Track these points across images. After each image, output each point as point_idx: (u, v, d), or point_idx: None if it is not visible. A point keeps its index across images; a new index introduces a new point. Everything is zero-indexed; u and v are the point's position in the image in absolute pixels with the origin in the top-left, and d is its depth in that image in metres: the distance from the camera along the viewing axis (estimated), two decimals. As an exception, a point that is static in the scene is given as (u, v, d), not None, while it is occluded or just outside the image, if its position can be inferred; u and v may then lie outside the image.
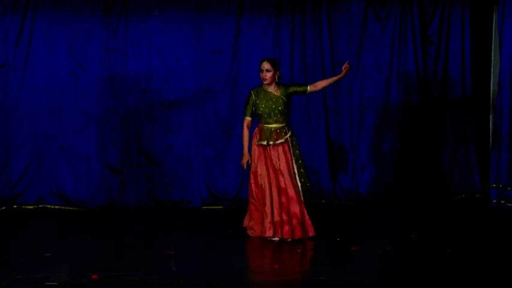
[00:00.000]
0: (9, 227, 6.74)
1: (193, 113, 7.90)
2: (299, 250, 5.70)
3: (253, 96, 6.11)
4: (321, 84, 6.24)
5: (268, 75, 6.03)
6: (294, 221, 5.93)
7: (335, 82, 6.34)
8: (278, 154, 6.01)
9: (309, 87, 6.14)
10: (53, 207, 7.68)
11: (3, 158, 7.63)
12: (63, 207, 7.66)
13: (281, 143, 6.02)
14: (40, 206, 7.67)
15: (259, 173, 6.03)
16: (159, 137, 7.87)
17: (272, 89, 6.10)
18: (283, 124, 6.09)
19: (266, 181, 6.00)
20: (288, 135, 6.07)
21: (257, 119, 6.17)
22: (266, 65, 6.03)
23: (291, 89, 6.12)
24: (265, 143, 6.02)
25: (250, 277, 4.90)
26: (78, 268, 4.94)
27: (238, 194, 7.92)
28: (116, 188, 7.78)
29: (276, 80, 6.11)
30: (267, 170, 6.02)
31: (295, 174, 6.01)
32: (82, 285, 4.51)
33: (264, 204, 5.97)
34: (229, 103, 7.95)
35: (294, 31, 7.99)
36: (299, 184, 6.02)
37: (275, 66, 6.08)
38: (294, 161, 6.03)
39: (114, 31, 7.75)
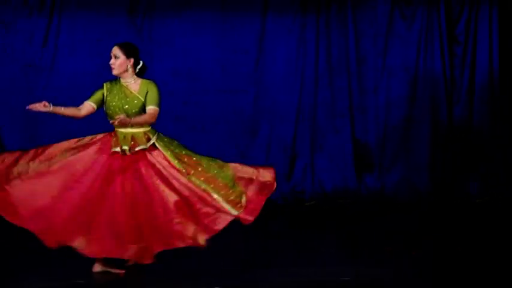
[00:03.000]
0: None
1: (217, 113, 7.90)
2: (326, 250, 5.67)
3: (105, 90, 4.81)
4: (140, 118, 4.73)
5: (117, 62, 4.76)
6: None
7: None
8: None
9: (149, 109, 4.75)
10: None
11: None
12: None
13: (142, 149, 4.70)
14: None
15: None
16: (184, 137, 7.85)
17: (128, 82, 4.79)
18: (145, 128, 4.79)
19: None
20: (153, 140, 4.80)
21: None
22: (115, 51, 4.78)
23: (149, 90, 4.78)
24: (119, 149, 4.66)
25: (276, 277, 4.88)
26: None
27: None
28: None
29: (135, 72, 4.82)
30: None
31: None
32: (108, 284, 4.53)
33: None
34: (253, 103, 7.94)
35: (319, 30, 7.96)
36: None
37: (127, 52, 4.78)
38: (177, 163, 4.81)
39: (139, 31, 7.79)
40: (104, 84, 4.84)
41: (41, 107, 4.63)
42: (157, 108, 4.77)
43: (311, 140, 8.00)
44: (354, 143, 8.02)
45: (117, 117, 4.58)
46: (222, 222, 4.71)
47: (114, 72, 4.77)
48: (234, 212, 4.74)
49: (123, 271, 4.68)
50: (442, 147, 8.02)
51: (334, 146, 7.97)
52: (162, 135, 4.91)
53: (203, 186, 4.76)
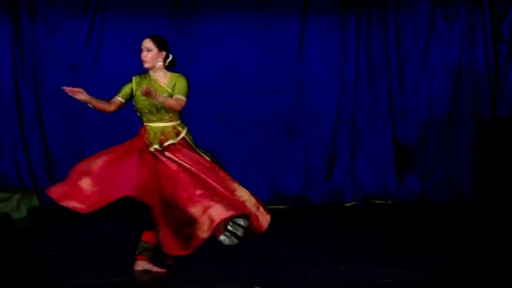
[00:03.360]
0: (79, 223, 6.90)
1: (257, 113, 7.92)
2: (365, 251, 5.63)
3: (134, 83, 4.77)
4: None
5: (149, 55, 4.75)
6: None
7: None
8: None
9: (175, 97, 4.74)
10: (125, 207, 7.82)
11: (74, 156, 7.82)
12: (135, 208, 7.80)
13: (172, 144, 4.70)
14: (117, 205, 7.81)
15: None
16: (223, 137, 7.91)
17: (158, 75, 4.78)
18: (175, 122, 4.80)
19: None
20: (183, 133, 4.81)
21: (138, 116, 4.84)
22: (147, 43, 4.77)
23: (174, 84, 4.75)
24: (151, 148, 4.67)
25: (314, 277, 4.87)
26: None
27: (303, 194, 7.89)
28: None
29: (166, 65, 4.83)
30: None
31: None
32: (150, 281, 4.58)
33: None
34: (293, 103, 7.94)
35: (359, 31, 7.91)
36: None
37: (160, 45, 4.78)
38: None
39: (180, 31, 7.85)
40: (133, 78, 4.79)
41: (76, 92, 4.63)
42: (184, 98, 4.71)
43: (351, 141, 7.96)
44: (394, 144, 7.95)
45: (145, 86, 4.53)
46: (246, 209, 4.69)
47: (147, 65, 4.73)
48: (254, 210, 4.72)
49: (165, 270, 4.73)
50: (485, 147, 7.89)
51: (375, 147, 7.91)
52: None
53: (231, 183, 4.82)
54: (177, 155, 4.66)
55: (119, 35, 7.84)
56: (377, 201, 7.87)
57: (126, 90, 4.79)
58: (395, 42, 7.91)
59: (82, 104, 7.77)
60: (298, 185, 7.92)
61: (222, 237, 4.61)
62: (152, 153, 4.66)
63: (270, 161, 7.97)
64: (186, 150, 4.72)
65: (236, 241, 4.60)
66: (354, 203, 7.86)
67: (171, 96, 4.70)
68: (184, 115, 7.78)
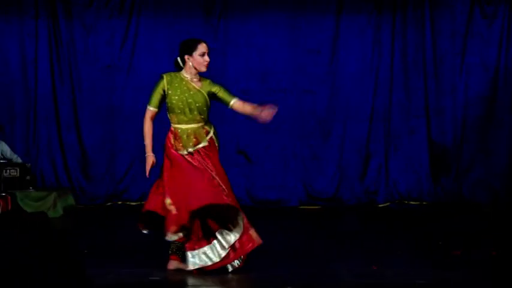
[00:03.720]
0: (114, 222, 6.99)
1: (291, 112, 7.91)
2: (399, 252, 5.58)
3: (165, 82, 4.71)
4: (247, 108, 4.77)
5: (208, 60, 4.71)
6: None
7: (250, 115, 4.77)
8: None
9: (234, 101, 4.75)
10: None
11: (109, 156, 7.93)
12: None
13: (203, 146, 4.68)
14: (143, 202, 7.90)
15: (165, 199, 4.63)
16: (256, 137, 7.92)
17: (191, 78, 4.75)
18: (203, 122, 4.74)
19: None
20: (211, 133, 4.76)
21: (167, 115, 4.81)
22: (207, 48, 4.74)
23: (215, 89, 4.74)
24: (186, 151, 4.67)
25: (347, 278, 4.84)
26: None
27: (336, 194, 7.86)
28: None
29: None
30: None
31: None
32: (182, 281, 4.60)
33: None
34: (326, 103, 7.91)
35: (394, 30, 7.85)
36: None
37: None
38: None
39: (214, 31, 7.88)
40: (164, 76, 4.73)
41: (149, 165, 4.72)
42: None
43: (385, 141, 7.90)
44: (429, 144, 7.86)
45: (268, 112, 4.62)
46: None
47: (205, 69, 4.74)
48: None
49: (196, 270, 4.74)
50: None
51: (409, 147, 7.84)
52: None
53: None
54: (206, 159, 4.69)
55: (153, 35, 7.91)
56: (411, 202, 7.80)
57: (156, 96, 4.74)
58: (431, 40, 7.83)
59: (118, 104, 7.96)
60: (331, 185, 7.88)
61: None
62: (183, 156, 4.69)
63: (305, 161, 7.95)
64: (211, 155, 4.71)
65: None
66: (388, 204, 7.80)
67: (205, 99, 4.74)
68: (218, 115, 7.90)
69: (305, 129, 7.92)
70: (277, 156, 7.93)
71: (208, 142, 4.72)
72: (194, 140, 4.69)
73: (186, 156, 4.68)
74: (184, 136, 4.71)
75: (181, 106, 4.70)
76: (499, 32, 7.78)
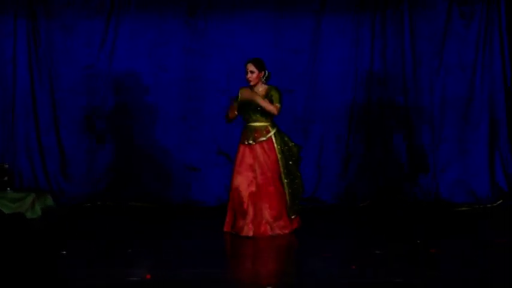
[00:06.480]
0: (93, 223, 6.94)
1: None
2: (377, 251, 5.61)
3: (240, 93, 6.23)
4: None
5: (253, 76, 6.12)
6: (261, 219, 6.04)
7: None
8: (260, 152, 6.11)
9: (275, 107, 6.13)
10: (136, 204, 7.84)
11: (89, 156, 7.88)
12: (145, 205, 7.83)
13: (263, 141, 6.11)
14: (128, 203, 7.86)
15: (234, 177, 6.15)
16: (237, 136, 7.91)
17: (257, 88, 6.20)
18: (266, 123, 6.15)
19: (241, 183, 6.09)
20: (271, 133, 6.15)
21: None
22: (250, 67, 6.13)
23: (270, 95, 6.15)
24: (247, 142, 6.13)
25: (326, 278, 4.85)
26: (160, 266, 5.03)
27: (314, 193, 7.87)
28: (196, 186, 7.89)
29: (263, 81, 6.20)
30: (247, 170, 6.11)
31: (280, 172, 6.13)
32: (165, 283, 4.59)
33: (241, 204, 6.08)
34: (306, 103, 7.92)
35: (374, 30, 7.88)
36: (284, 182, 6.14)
37: (259, 67, 6.15)
38: (279, 158, 6.11)
39: (194, 32, 7.87)
40: (240, 89, 6.23)
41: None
42: (279, 105, 6.11)
43: (365, 141, 7.94)
44: (407, 143, 7.92)
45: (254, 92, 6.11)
46: (270, 232, 6.02)
47: (251, 83, 6.14)
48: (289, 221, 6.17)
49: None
50: (500, 148, 7.84)
51: (388, 147, 7.86)
52: (281, 131, 6.21)
53: (286, 188, 6.13)
54: (262, 153, 6.11)
55: (134, 35, 7.87)
56: (390, 202, 7.83)
57: (236, 102, 6.18)
58: (410, 41, 7.88)
59: (97, 104, 7.92)
60: (310, 185, 7.87)
61: None
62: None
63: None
64: (270, 153, 6.11)
65: None
66: (367, 203, 7.84)
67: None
68: (200, 115, 7.90)
69: (284, 129, 7.91)
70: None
71: (270, 139, 6.20)
72: (255, 134, 6.18)
73: None
74: (249, 131, 6.25)
75: (248, 110, 6.25)
76: (477, 32, 7.85)
